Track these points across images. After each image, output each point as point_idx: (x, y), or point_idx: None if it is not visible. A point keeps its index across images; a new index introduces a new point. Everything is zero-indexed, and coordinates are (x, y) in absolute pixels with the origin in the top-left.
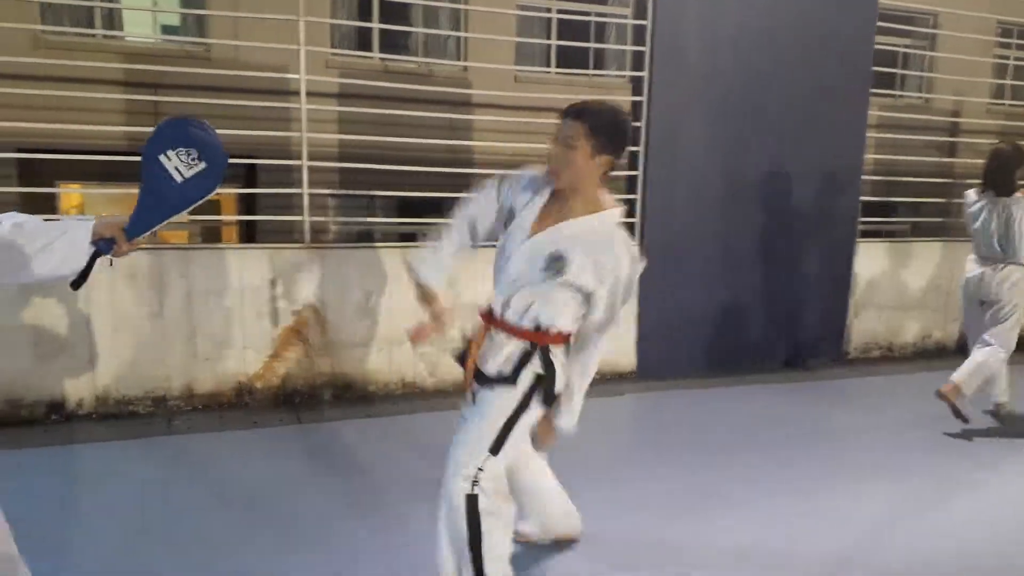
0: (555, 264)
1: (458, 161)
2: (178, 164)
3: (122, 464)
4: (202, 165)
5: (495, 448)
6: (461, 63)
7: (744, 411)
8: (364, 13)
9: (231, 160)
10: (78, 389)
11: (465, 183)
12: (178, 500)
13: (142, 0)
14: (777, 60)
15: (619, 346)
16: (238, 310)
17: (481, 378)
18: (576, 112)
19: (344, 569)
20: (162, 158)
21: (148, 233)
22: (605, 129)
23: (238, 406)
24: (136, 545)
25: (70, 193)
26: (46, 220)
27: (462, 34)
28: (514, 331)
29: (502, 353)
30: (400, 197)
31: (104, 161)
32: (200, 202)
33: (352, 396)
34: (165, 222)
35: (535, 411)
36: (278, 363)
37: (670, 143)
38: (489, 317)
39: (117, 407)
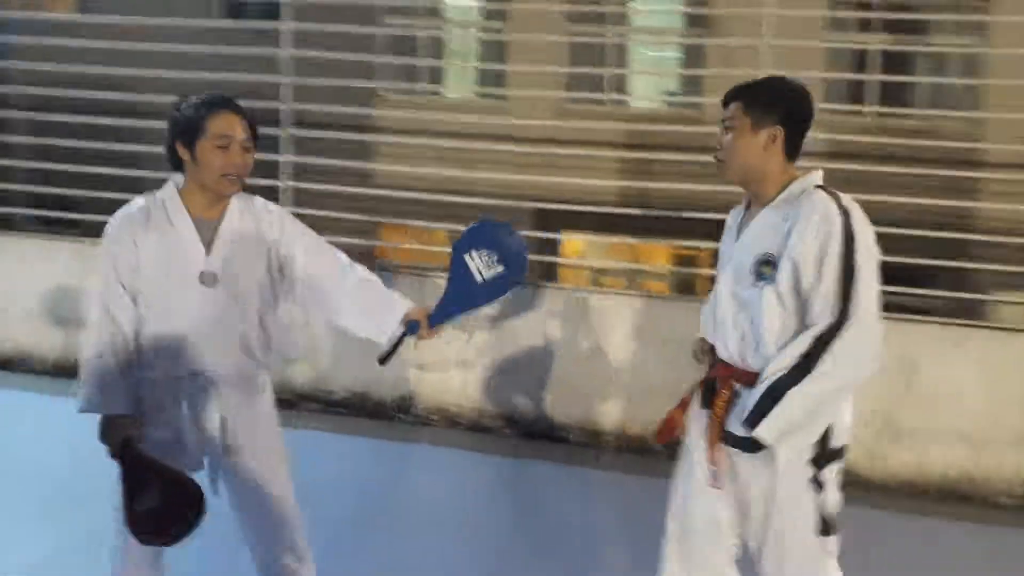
0: (763, 269)
1: (962, 226)
2: (480, 264)
3: (557, 486)
4: (500, 269)
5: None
6: (971, 114)
7: None
8: (860, 65)
9: (705, 216)
10: (530, 409)
11: (973, 251)
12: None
13: (646, 65)
14: None
15: None
16: (672, 357)
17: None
18: (731, 93)
19: None
20: (467, 257)
21: (447, 322)
22: (762, 97)
23: (662, 454)
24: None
25: (571, 241)
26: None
27: (979, 81)
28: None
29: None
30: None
31: (601, 214)
32: (492, 303)
33: None
34: (462, 315)
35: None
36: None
37: None
38: (726, 367)
39: (557, 431)
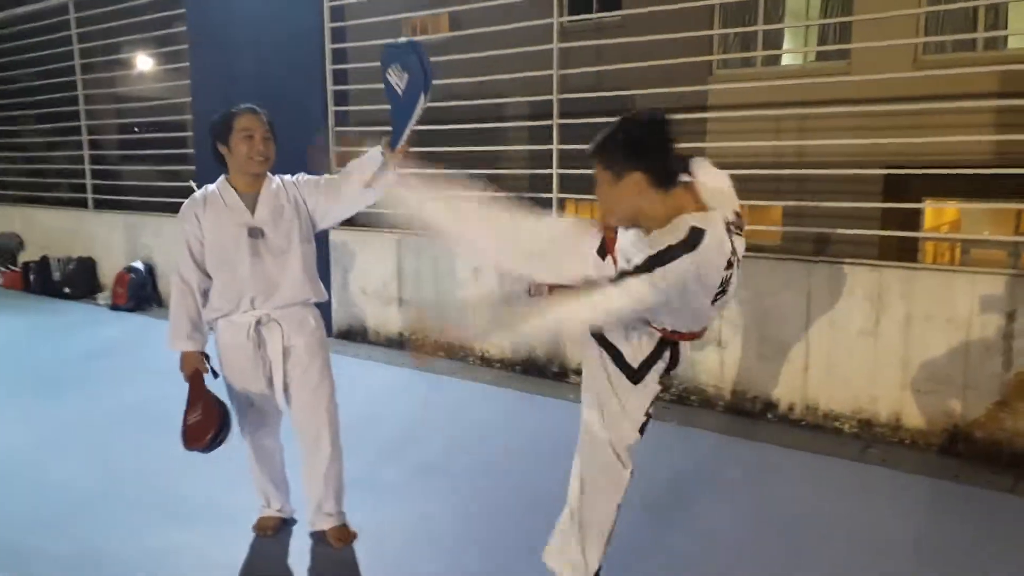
0: None
1: None
2: (396, 80)
3: (812, 477)
4: (406, 76)
5: None
6: None
7: None
8: None
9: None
10: (790, 394)
11: None
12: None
13: None
14: None
15: None
16: (962, 343)
17: None
18: (590, 152)
19: None
20: (387, 75)
21: (403, 140)
22: (609, 147)
23: (945, 451)
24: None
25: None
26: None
27: None
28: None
29: None
30: None
31: (972, 176)
32: (418, 108)
33: None
34: (408, 130)
35: None
36: (1005, 414)
37: None
38: None
39: (823, 420)
